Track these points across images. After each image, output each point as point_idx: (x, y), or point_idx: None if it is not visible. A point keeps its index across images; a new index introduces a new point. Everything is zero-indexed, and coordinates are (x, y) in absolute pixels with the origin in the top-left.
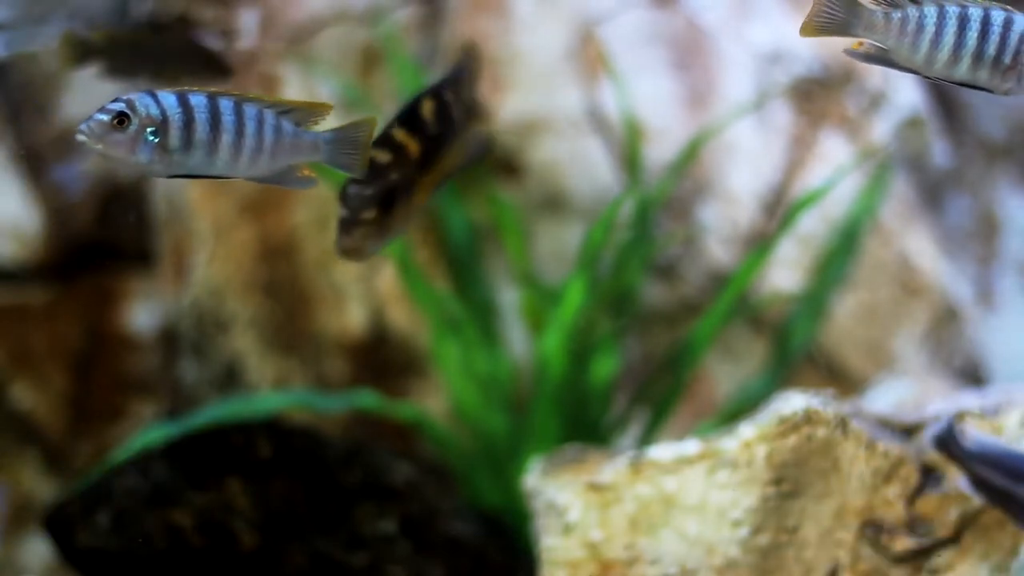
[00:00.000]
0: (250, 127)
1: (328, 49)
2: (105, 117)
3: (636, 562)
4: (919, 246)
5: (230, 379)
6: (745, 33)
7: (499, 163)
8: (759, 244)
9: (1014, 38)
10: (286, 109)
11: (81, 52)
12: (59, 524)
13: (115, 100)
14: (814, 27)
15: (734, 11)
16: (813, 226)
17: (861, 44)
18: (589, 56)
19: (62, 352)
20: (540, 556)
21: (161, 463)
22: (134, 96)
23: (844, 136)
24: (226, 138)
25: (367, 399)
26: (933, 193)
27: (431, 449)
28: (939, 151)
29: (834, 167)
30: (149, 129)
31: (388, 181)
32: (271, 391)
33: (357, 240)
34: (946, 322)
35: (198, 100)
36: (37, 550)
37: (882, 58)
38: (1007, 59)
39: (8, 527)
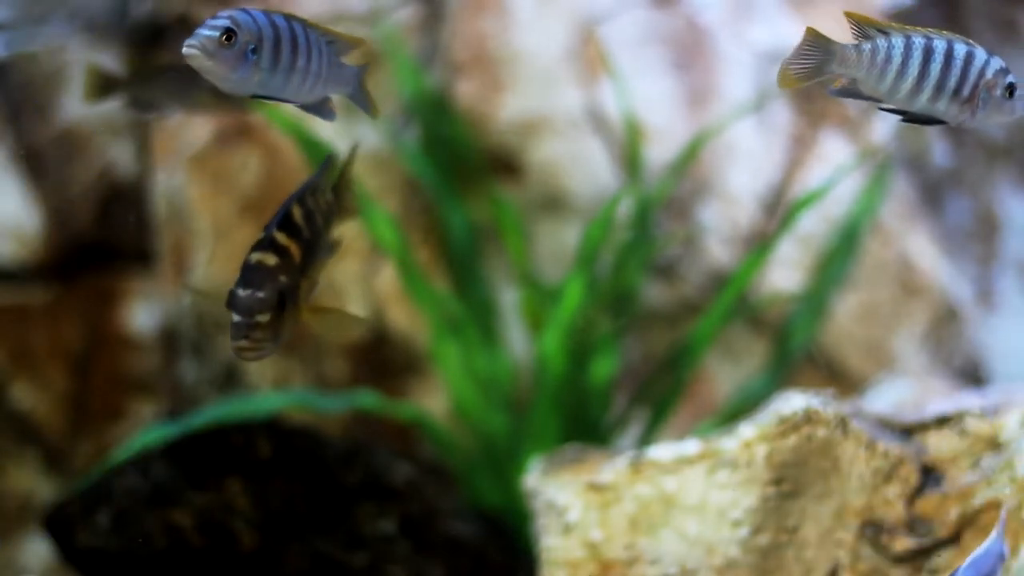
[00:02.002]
0: (315, 52)
1: None
2: (214, 33)
3: (636, 562)
4: (919, 246)
5: (230, 379)
6: (745, 33)
7: (499, 163)
8: (759, 244)
9: (974, 72)
10: (330, 39)
11: (104, 86)
12: (59, 524)
13: (216, 17)
14: (793, 77)
15: (734, 11)
16: (813, 226)
17: (839, 81)
18: (589, 56)
19: (62, 352)
20: (540, 556)
21: (161, 463)
22: (234, 12)
23: (844, 136)
24: (300, 62)
25: (367, 399)
26: (933, 193)
27: (431, 449)
28: (939, 151)
29: (834, 167)
30: (251, 46)
31: (279, 283)
32: (271, 391)
33: (253, 343)
34: (946, 322)
35: (280, 21)
36: (37, 550)
37: (851, 91)
38: (966, 92)
39: (8, 527)
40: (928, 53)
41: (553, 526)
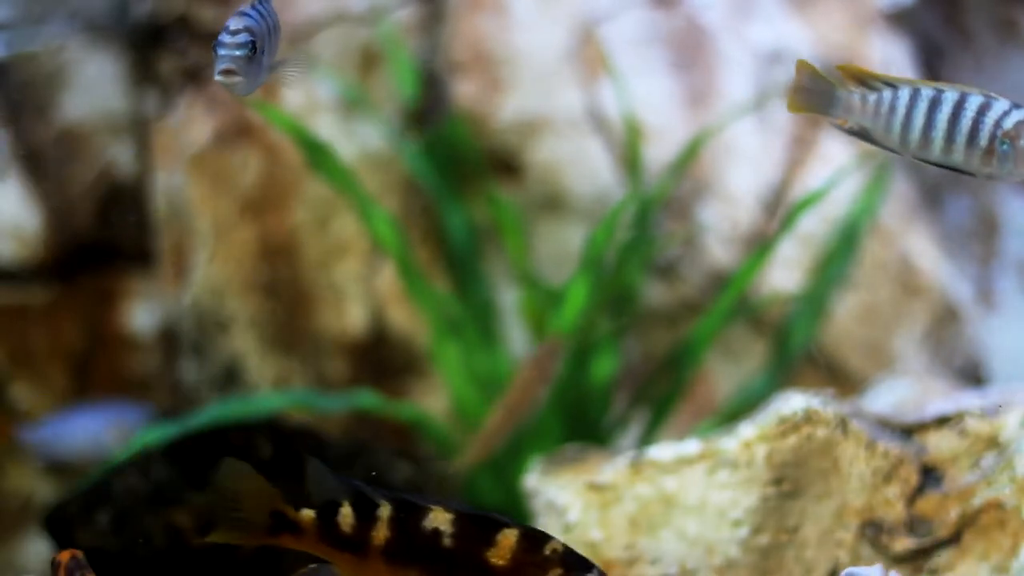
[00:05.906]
0: (276, 24)
1: (328, 49)
2: (244, 52)
3: (636, 562)
4: (919, 246)
5: (230, 379)
6: (745, 33)
7: (499, 163)
8: (760, 244)
9: (989, 122)
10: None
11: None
12: (59, 524)
13: (234, 31)
14: (799, 105)
15: (734, 11)
16: (813, 226)
17: (845, 122)
18: (589, 56)
19: (62, 352)
20: None
21: (161, 463)
22: (246, 20)
23: (844, 136)
24: (276, 39)
25: (367, 399)
26: (933, 193)
27: (431, 449)
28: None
29: (834, 167)
30: (261, 49)
31: None
32: (271, 391)
33: None
34: (946, 322)
35: (261, 7)
36: (37, 550)
37: (866, 135)
38: (983, 142)
39: (8, 527)
40: (935, 103)
41: (553, 526)
